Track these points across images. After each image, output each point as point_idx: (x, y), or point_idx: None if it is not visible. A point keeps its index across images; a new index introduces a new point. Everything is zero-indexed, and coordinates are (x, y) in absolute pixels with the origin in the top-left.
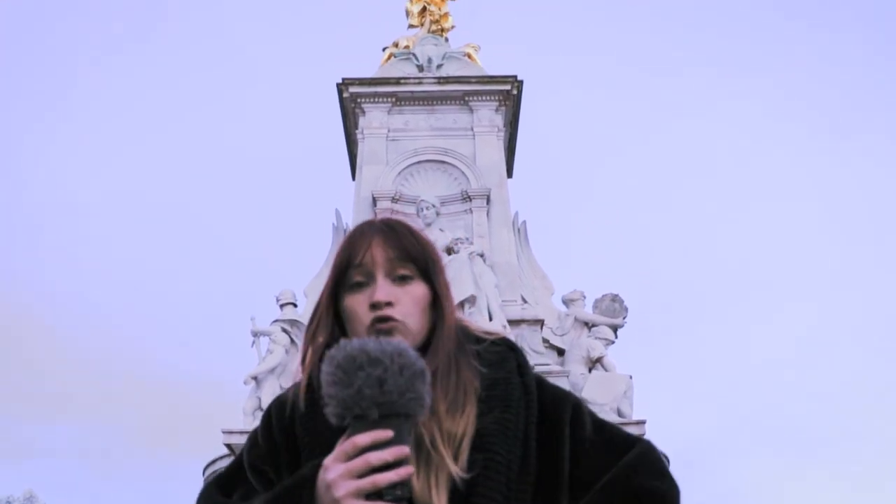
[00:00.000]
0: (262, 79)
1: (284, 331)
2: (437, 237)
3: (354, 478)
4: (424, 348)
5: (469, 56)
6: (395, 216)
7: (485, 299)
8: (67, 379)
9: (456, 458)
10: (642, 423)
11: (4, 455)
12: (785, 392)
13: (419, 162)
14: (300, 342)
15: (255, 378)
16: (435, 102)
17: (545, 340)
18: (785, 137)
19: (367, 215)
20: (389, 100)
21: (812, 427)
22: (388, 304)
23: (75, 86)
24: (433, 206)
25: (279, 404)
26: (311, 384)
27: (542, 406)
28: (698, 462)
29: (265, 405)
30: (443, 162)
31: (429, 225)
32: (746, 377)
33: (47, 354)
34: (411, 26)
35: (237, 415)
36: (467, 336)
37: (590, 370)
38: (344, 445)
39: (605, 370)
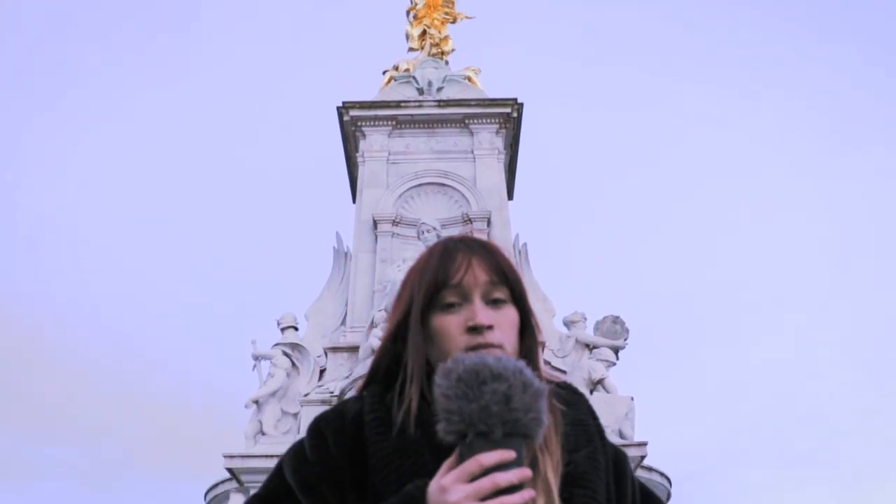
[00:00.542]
0: (263, 102)
1: (285, 354)
2: None
3: (479, 500)
4: None
5: (469, 79)
6: (473, 235)
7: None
8: (66, 401)
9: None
10: (644, 444)
11: (5, 477)
12: (785, 409)
13: (420, 185)
14: (301, 366)
15: (256, 401)
16: (435, 125)
17: (546, 362)
18: (782, 158)
19: (367, 238)
20: (390, 123)
21: (812, 443)
22: (489, 326)
23: (78, 108)
24: (434, 228)
25: (335, 421)
26: (385, 406)
27: (615, 455)
28: (699, 481)
29: (266, 428)
30: (443, 185)
31: None
32: (746, 396)
33: (46, 377)
34: (411, 49)
35: (238, 438)
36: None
37: (591, 392)
38: (467, 465)
39: (607, 392)
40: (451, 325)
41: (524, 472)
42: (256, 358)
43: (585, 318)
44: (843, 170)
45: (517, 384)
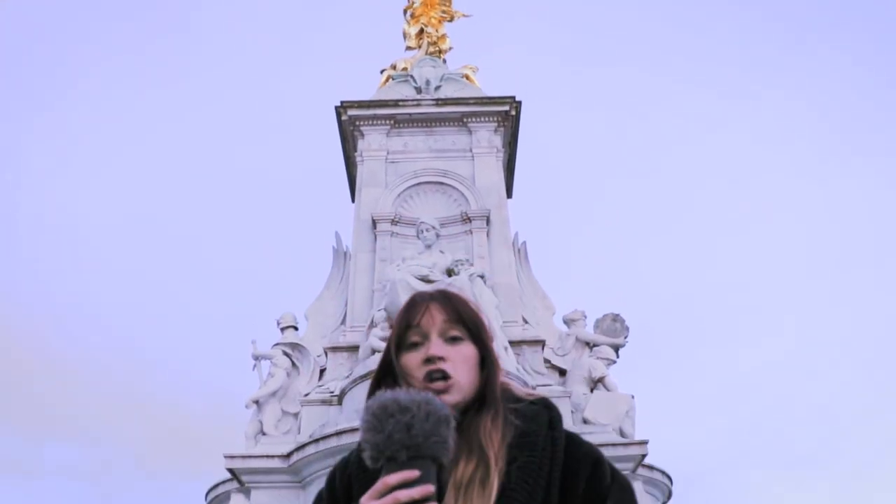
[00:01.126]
0: (261, 101)
1: (286, 354)
2: (438, 259)
3: None
4: (478, 403)
5: (467, 77)
6: (448, 288)
7: (486, 321)
8: (68, 401)
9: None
10: (644, 443)
11: (7, 475)
12: (785, 410)
13: (418, 184)
14: (301, 365)
15: (256, 401)
16: (433, 124)
17: (546, 361)
18: (782, 159)
19: (366, 238)
20: (388, 122)
21: (812, 443)
22: (441, 358)
23: (78, 109)
24: (433, 227)
25: (342, 464)
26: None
27: (567, 458)
28: (700, 478)
29: (267, 429)
30: (442, 183)
31: (429, 247)
32: (747, 396)
33: (47, 376)
34: (409, 48)
35: (239, 439)
36: (507, 397)
37: (591, 390)
38: (377, 485)
39: (607, 390)
40: (412, 361)
41: (426, 489)
42: (256, 358)
43: (585, 317)
44: (843, 171)
45: (420, 414)
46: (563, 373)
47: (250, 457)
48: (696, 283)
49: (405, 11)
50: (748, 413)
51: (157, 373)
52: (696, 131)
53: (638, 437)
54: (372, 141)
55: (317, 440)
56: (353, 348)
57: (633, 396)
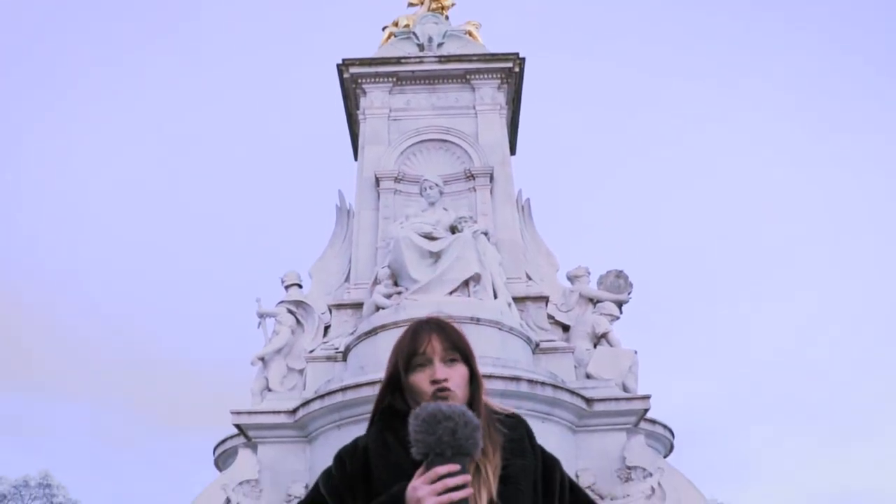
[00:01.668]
0: (263, 62)
1: (290, 311)
2: (441, 216)
3: (436, 495)
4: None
5: (470, 34)
6: (439, 316)
7: (489, 277)
8: (77, 362)
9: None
10: (647, 398)
11: (21, 435)
12: (786, 366)
13: (421, 141)
14: (306, 323)
15: (261, 359)
16: (436, 81)
17: (550, 317)
18: (797, 125)
19: (370, 196)
20: (390, 79)
21: (813, 397)
22: (445, 380)
23: (81, 74)
24: (436, 185)
25: (351, 451)
26: (383, 434)
27: (545, 462)
28: (701, 433)
29: (272, 385)
30: (445, 141)
31: (432, 204)
32: (748, 352)
33: (56, 338)
34: (411, 4)
35: (246, 395)
36: (489, 409)
37: (595, 346)
38: (429, 474)
39: (611, 346)
40: (420, 380)
41: (466, 478)
42: (261, 316)
43: (589, 273)
44: (857, 136)
45: (461, 422)
46: (566, 329)
47: (257, 412)
48: (700, 240)
49: None
50: (750, 369)
51: (165, 332)
52: (706, 87)
53: (640, 392)
54: (374, 99)
55: (322, 396)
56: (357, 305)
57: (636, 352)
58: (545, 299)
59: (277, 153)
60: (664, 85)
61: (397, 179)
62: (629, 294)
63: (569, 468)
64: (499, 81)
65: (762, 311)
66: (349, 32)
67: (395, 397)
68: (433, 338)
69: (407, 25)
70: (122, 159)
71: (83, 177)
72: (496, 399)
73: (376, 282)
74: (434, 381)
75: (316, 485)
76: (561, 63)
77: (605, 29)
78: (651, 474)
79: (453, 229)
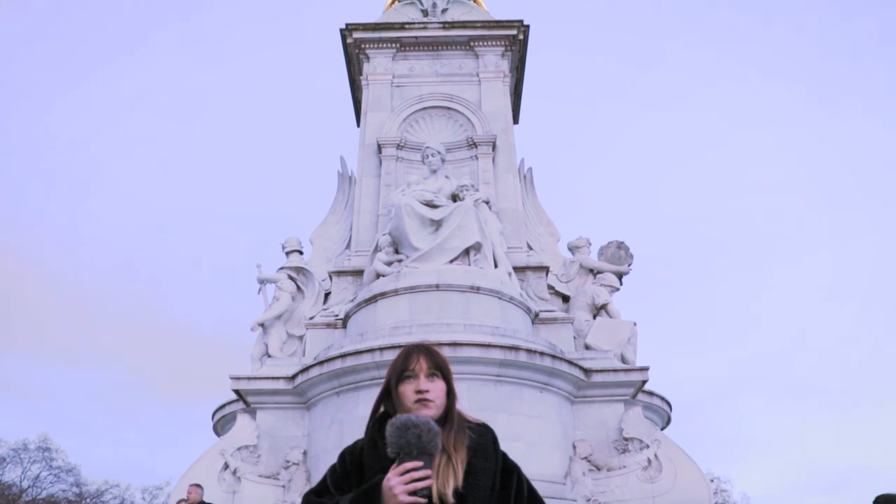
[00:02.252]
0: (266, 27)
1: (291, 278)
2: (443, 184)
3: (405, 484)
4: (444, 418)
5: (474, 0)
6: (424, 342)
7: (490, 246)
8: (78, 327)
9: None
10: (645, 369)
11: (20, 398)
12: (785, 340)
13: (424, 108)
14: (306, 289)
15: (261, 325)
16: (440, 48)
17: (550, 287)
18: (804, 90)
19: (372, 162)
20: (394, 45)
21: (812, 371)
22: (426, 391)
23: (93, 40)
24: (438, 152)
25: (351, 449)
26: (374, 437)
27: (504, 466)
28: (699, 405)
29: (272, 351)
30: (448, 108)
31: (434, 172)
32: (748, 326)
33: (61, 303)
34: None
35: (246, 361)
36: (462, 418)
37: (594, 317)
38: (399, 468)
39: (610, 317)
40: (408, 390)
41: (427, 472)
42: (262, 282)
43: (590, 244)
44: (863, 104)
45: (425, 429)
46: (566, 299)
47: (256, 378)
48: (702, 213)
49: None
50: (749, 343)
51: (165, 297)
52: (711, 55)
53: (639, 364)
54: (377, 64)
55: (321, 362)
56: (358, 272)
57: (635, 324)
58: (545, 269)
59: (280, 119)
60: (668, 54)
61: (399, 146)
62: (630, 266)
63: (566, 438)
64: (503, 49)
65: (763, 285)
66: None
67: (387, 403)
68: (421, 358)
69: None
70: (128, 121)
71: (88, 141)
72: (495, 368)
73: (377, 249)
74: (418, 392)
75: (324, 478)
76: (565, 31)
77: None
78: (648, 446)
79: (455, 197)
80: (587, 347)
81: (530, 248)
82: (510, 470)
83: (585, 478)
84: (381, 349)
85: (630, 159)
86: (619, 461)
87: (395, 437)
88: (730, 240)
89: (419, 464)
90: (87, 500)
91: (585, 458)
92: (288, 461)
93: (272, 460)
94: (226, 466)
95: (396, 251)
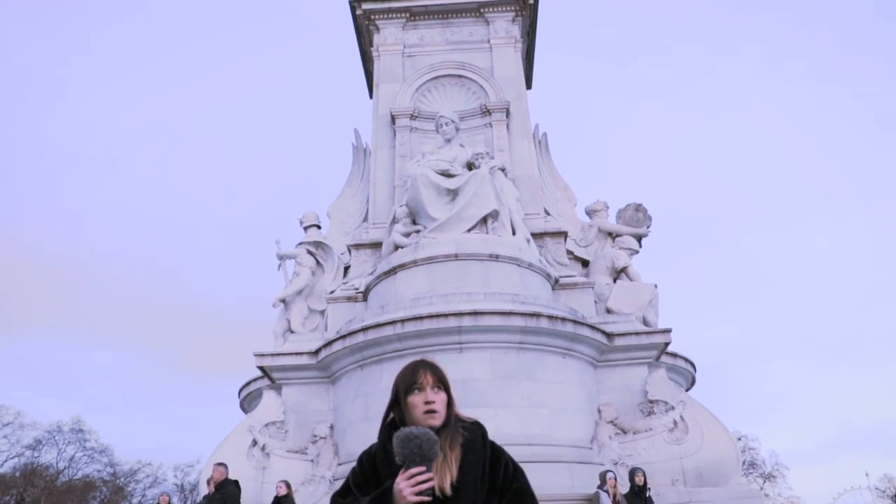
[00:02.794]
0: (276, 2)
1: (310, 252)
2: (458, 153)
3: (412, 486)
4: (445, 424)
5: None
6: (427, 359)
7: (507, 213)
8: (108, 309)
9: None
10: (668, 331)
11: (53, 381)
12: (810, 300)
13: (436, 77)
14: (325, 263)
15: (283, 300)
16: (450, 15)
17: (569, 252)
18: (815, 58)
19: (386, 134)
20: (403, 15)
21: (838, 331)
22: (433, 402)
23: (108, 26)
24: (452, 121)
25: (367, 454)
26: (385, 444)
27: (492, 457)
28: (724, 367)
29: (294, 326)
30: (460, 76)
31: (448, 141)
32: (772, 286)
33: (91, 285)
34: None
35: (268, 337)
36: (458, 418)
37: (614, 280)
38: (406, 473)
39: (630, 280)
40: (416, 401)
41: (430, 475)
42: (281, 258)
43: (608, 207)
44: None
45: (425, 439)
46: (585, 264)
47: (280, 354)
48: (722, 174)
49: None
50: (773, 303)
51: (189, 278)
52: (726, 19)
53: (661, 326)
54: (388, 35)
55: (343, 336)
56: (376, 245)
57: (656, 286)
58: (564, 234)
59: (292, 93)
60: (684, 15)
61: (413, 116)
62: (648, 227)
63: (591, 403)
64: (513, 14)
65: (786, 243)
66: None
67: (396, 411)
68: (427, 373)
69: None
70: (143, 104)
71: (105, 121)
72: (517, 335)
73: (394, 221)
74: (426, 402)
75: (347, 479)
76: None
77: None
78: (673, 408)
79: (470, 166)
80: (608, 311)
81: (548, 213)
82: (497, 457)
83: (612, 441)
84: (402, 321)
85: (647, 121)
86: (644, 424)
87: (400, 448)
88: (751, 199)
89: (422, 469)
90: (122, 479)
91: (611, 421)
92: (315, 435)
93: (299, 435)
94: (254, 443)
95: (414, 222)
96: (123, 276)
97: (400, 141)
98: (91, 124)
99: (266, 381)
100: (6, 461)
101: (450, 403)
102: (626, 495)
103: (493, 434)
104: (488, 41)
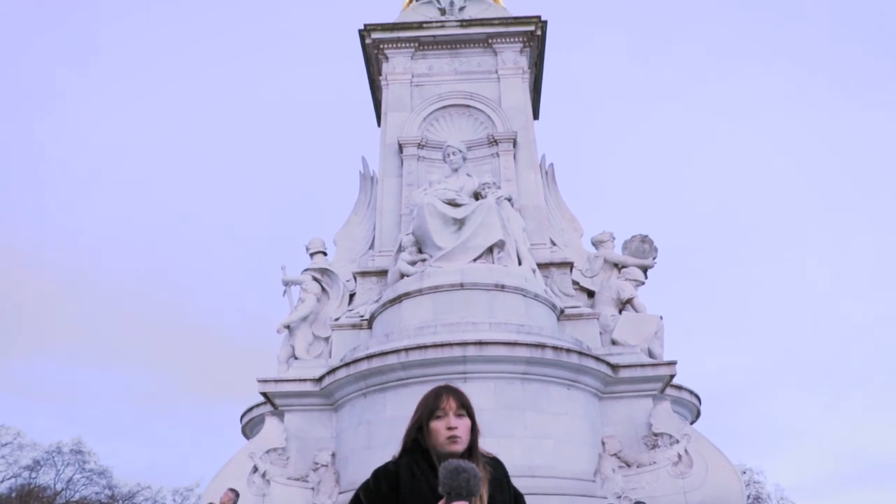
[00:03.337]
0: (284, 27)
1: (315, 279)
2: (465, 182)
3: None
4: (469, 451)
5: None
6: (452, 384)
7: (513, 243)
8: (112, 330)
9: None
10: (673, 363)
11: (54, 401)
12: (817, 331)
13: (444, 107)
14: (331, 290)
15: (287, 327)
16: (458, 46)
17: (575, 283)
18: (822, 84)
19: (393, 162)
20: (412, 45)
21: (846, 361)
22: (455, 427)
23: (112, 36)
24: (459, 151)
25: (385, 472)
26: (412, 468)
27: (515, 497)
28: (729, 398)
29: (298, 353)
30: (468, 106)
31: (455, 170)
32: (777, 315)
33: (95, 306)
34: None
35: (272, 363)
36: (480, 453)
37: (620, 311)
38: None
39: (636, 311)
40: (439, 426)
41: None
42: (286, 283)
43: (614, 238)
44: (879, 96)
45: (473, 474)
46: (591, 294)
47: (283, 381)
48: (727, 204)
49: None
50: (777, 333)
51: (194, 301)
52: (729, 51)
53: (666, 358)
54: (396, 64)
55: (348, 364)
56: (382, 273)
57: (661, 317)
58: (570, 265)
59: (301, 120)
60: (687, 46)
61: (420, 146)
62: (654, 259)
63: (595, 435)
64: (521, 45)
65: (791, 273)
66: None
67: (419, 434)
68: (451, 398)
69: None
70: (154, 124)
71: (117, 139)
72: (522, 366)
73: (400, 249)
74: (449, 428)
75: (357, 495)
76: (583, 25)
77: None
78: (678, 441)
79: (477, 195)
80: (613, 343)
81: (554, 244)
82: (518, 500)
83: (615, 474)
84: (406, 350)
85: (652, 151)
86: (648, 457)
87: (448, 479)
88: (755, 229)
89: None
90: (120, 501)
91: (615, 454)
92: (316, 463)
93: (301, 462)
94: (255, 469)
95: (420, 251)
96: (128, 295)
97: (407, 169)
98: (100, 142)
99: (268, 407)
100: (3, 481)
101: (473, 429)
102: None
103: None
104: (496, 72)
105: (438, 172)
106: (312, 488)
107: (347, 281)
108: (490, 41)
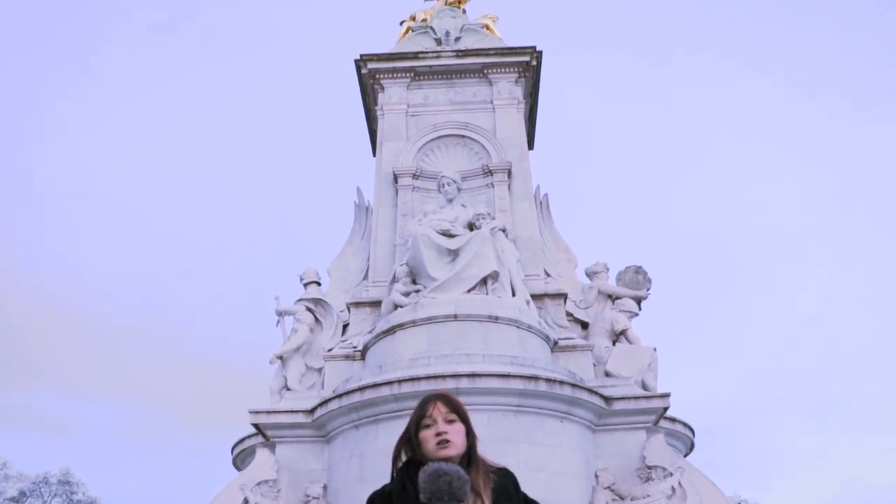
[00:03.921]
0: (281, 57)
1: (309, 309)
2: (459, 213)
3: None
4: (467, 459)
5: (487, 27)
6: (441, 391)
7: (507, 274)
8: (102, 360)
9: None
10: (667, 396)
11: (42, 432)
12: (809, 360)
13: (439, 137)
14: (324, 321)
15: (280, 357)
16: (454, 76)
17: (569, 314)
18: (809, 112)
19: (388, 192)
20: (408, 75)
21: (843, 393)
22: (445, 432)
23: (110, 70)
24: (454, 181)
25: (380, 494)
26: (403, 481)
27: (525, 502)
28: (723, 430)
29: (291, 384)
30: (463, 136)
31: (450, 201)
32: (772, 345)
33: (82, 337)
34: None
35: (265, 393)
36: (484, 463)
37: (614, 343)
38: None
39: (629, 343)
40: (428, 435)
41: None
42: (280, 314)
43: (608, 269)
44: (875, 117)
45: (455, 477)
46: (585, 326)
47: (275, 412)
48: (720, 235)
49: None
50: (772, 364)
51: (185, 330)
52: (722, 78)
53: (660, 390)
54: (392, 94)
55: (340, 395)
56: (376, 303)
57: (655, 349)
58: (564, 296)
59: (296, 150)
60: (680, 77)
61: (416, 176)
62: (648, 290)
63: (588, 467)
64: (516, 75)
65: (786, 303)
66: (367, 27)
67: (409, 448)
68: (438, 404)
69: (424, 20)
70: (149, 153)
71: (106, 171)
72: (515, 398)
73: (395, 280)
74: (437, 434)
75: None
76: (578, 56)
77: (621, 21)
78: (671, 474)
79: (471, 226)
80: (607, 374)
81: (548, 274)
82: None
83: None
84: (399, 381)
85: (646, 182)
86: (642, 490)
87: (428, 484)
88: (749, 258)
89: None
90: None
91: (608, 487)
92: (308, 495)
93: (292, 495)
94: (245, 502)
95: (414, 281)
96: (119, 328)
97: (402, 200)
98: (97, 176)
99: (260, 439)
100: None
101: (469, 434)
102: None
103: None
104: (491, 102)
105: (433, 203)
106: None
107: (341, 311)
108: (485, 71)
